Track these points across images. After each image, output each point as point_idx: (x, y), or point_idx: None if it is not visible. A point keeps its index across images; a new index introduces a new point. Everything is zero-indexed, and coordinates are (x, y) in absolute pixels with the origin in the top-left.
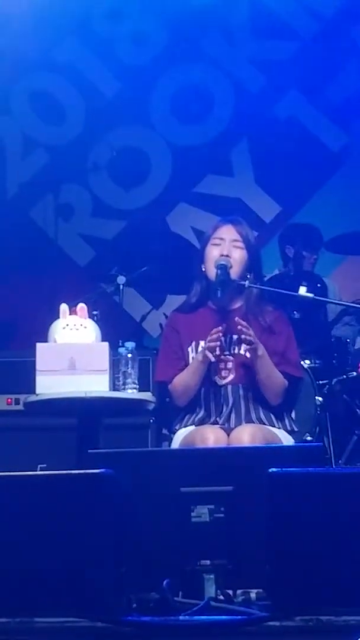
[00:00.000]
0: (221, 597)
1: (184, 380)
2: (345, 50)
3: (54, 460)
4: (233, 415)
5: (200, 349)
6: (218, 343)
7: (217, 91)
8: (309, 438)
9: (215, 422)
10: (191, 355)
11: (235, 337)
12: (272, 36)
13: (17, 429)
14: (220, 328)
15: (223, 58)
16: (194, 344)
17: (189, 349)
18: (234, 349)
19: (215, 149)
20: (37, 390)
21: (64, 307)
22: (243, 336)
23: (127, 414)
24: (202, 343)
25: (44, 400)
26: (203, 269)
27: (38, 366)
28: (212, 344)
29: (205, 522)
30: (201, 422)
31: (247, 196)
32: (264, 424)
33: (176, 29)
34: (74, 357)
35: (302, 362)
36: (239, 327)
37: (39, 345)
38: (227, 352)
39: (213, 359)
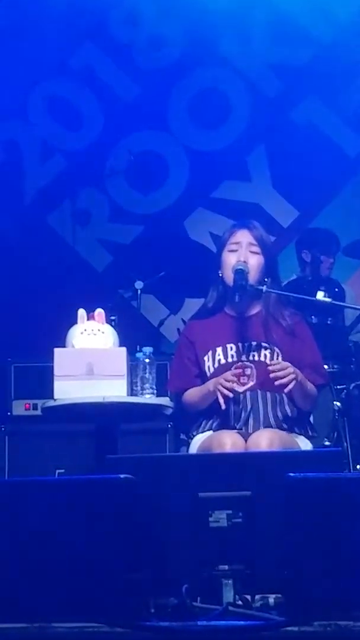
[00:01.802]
0: (239, 602)
1: (192, 399)
2: None
3: (72, 465)
4: (251, 421)
5: (217, 356)
6: (233, 385)
7: (235, 96)
8: (327, 443)
9: (233, 428)
10: (207, 364)
11: (254, 343)
12: (290, 41)
13: (35, 434)
14: (237, 371)
15: (241, 63)
16: (210, 352)
17: (205, 358)
18: (253, 356)
19: (232, 154)
20: (55, 396)
21: (81, 312)
22: (286, 380)
23: (145, 419)
24: (218, 350)
25: (62, 405)
26: (220, 275)
27: (56, 371)
28: (227, 384)
29: (224, 527)
30: (219, 428)
31: (264, 201)
32: (283, 429)
33: (194, 33)
34: (92, 362)
35: None
36: (278, 375)
37: (56, 351)
38: (245, 359)
39: (224, 407)
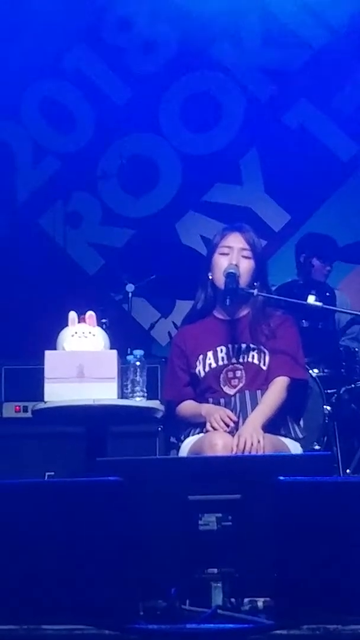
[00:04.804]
0: (228, 605)
1: (184, 415)
2: (355, 60)
3: (62, 467)
4: (241, 422)
5: (208, 360)
6: (225, 427)
7: (227, 100)
8: (317, 447)
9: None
10: (198, 367)
11: (244, 345)
12: (282, 45)
13: (26, 436)
14: (233, 417)
15: (233, 67)
16: (201, 357)
17: (197, 362)
18: (243, 357)
19: (224, 158)
20: (46, 398)
21: (72, 315)
22: (254, 450)
23: (135, 421)
24: (209, 354)
25: (53, 407)
26: (210, 277)
27: (47, 374)
28: (222, 424)
29: (213, 530)
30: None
31: (256, 205)
32: (269, 431)
33: (186, 37)
34: (83, 364)
35: (310, 371)
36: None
37: (47, 353)
38: (235, 361)
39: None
